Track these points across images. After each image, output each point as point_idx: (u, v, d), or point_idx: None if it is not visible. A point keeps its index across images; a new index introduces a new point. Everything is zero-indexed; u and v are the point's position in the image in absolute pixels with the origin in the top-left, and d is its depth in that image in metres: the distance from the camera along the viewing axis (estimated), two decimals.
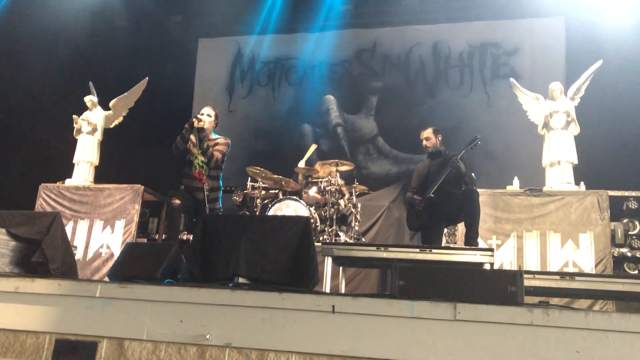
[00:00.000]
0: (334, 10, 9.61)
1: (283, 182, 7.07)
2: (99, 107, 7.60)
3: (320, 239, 6.39)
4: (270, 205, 6.67)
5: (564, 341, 2.31)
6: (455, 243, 6.23)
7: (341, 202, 6.80)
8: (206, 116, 5.31)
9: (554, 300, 4.47)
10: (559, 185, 6.19)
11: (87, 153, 7.36)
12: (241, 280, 3.13)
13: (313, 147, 7.96)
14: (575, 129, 6.41)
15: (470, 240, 4.79)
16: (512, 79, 7.11)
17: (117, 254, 6.26)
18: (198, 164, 5.00)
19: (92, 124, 7.44)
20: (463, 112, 8.98)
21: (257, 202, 7.05)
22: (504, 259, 5.82)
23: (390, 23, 9.69)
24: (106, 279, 4.09)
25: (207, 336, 2.62)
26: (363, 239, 6.99)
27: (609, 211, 5.78)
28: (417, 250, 4.26)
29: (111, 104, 7.67)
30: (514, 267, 5.70)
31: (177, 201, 5.01)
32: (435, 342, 2.41)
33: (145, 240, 7.02)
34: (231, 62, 10.44)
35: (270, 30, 10.09)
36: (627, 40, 7.60)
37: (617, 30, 7.71)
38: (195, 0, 9.61)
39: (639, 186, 6.33)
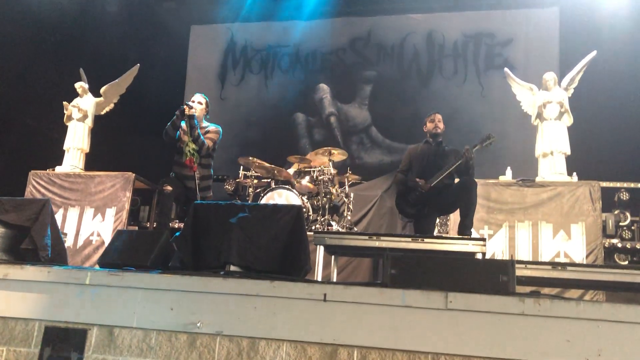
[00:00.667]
0: None
1: (275, 171, 7.04)
2: (89, 94, 7.53)
3: (313, 228, 6.38)
4: (262, 194, 6.65)
5: (555, 330, 2.32)
6: (447, 233, 6.24)
7: (333, 190, 6.78)
8: (197, 103, 5.26)
9: (546, 290, 4.49)
10: (552, 175, 6.20)
11: (77, 140, 7.30)
12: (232, 268, 3.12)
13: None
14: (568, 119, 6.42)
15: (464, 230, 4.78)
16: (506, 69, 7.11)
17: (107, 242, 6.22)
18: (189, 151, 4.95)
19: (82, 111, 7.38)
20: (457, 102, 8.96)
21: (249, 191, 7.02)
22: (496, 249, 5.84)
23: (385, 11, 9.64)
24: (96, 266, 4.06)
25: (198, 324, 2.61)
26: (355, 229, 6.99)
27: (600, 202, 5.80)
28: (410, 239, 4.26)
29: (102, 90, 7.60)
30: (506, 257, 5.72)
31: (169, 188, 4.96)
32: (426, 330, 2.41)
33: (136, 228, 6.99)
34: (223, 49, 10.36)
35: (264, 18, 10.01)
36: (621, 32, 7.59)
37: (612, 21, 7.70)
38: None
39: (631, 177, 6.38)
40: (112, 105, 7.72)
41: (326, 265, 4.69)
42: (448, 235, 5.87)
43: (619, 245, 5.99)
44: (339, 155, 7.07)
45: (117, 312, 2.75)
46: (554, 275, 3.90)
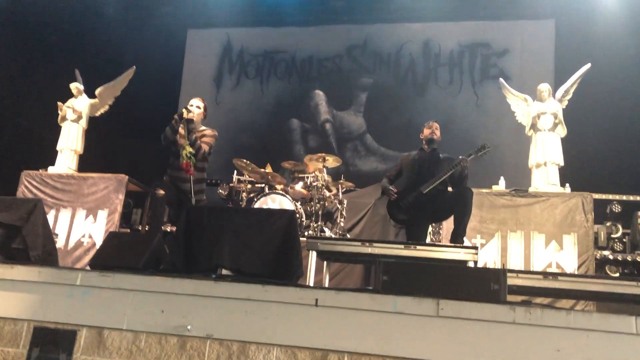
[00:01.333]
0: (325, 4, 9.57)
1: (269, 177, 7.04)
2: (84, 95, 7.51)
3: (306, 234, 6.37)
4: (256, 199, 6.64)
5: (545, 339, 2.32)
6: (440, 241, 6.24)
7: (327, 194, 6.78)
8: (195, 107, 5.26)
9: (537, 300, 4.51)
10: (545, 186, 6.23)
11: (71, 141, 7.27)
12: (224, 271, 3.11)
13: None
14: (562, 131, 6.45)
15: (457, 238, 4.78)
16: (501, 80, 7.14)
17: (99, 244, 6.19)
18: (186, 154, 4.95)
19: (77, 112, 7.35)
20: (452, 111, 9.00)
21: (243, 195, 7.01)
22: (487, 258, 5.85)
23: (382, 20, 9.67)
24: (88, 268, 4.04)
25: (189, 327, 2.60)
26: (348, 235, 6.99)
27: (592, 214, 5.83)
28: (402, 246, 4.26)
29: (97, 92, 7.58)
30: (497, 267, 5.73)
31: (162, 192, 4.96)
32: (417, 337, 2.41)
33: (128, 230, 6.96)
34: (220, 53, 10.36)
35: (261, 23, 10.04)
36: (616, 44, 7.66)
37: (607, 34, 7.76)
38: None
39: (623, 190, 6.41)
40: (107, 107, 7.69)
41: (318, 270, 4.69)
42: (440, 243, 5.87)
43: (610, 257, 6.01)
44: (333, 161, 7.08)
45: (107, 313, 2.73)
46: (546, 285, 3.91)
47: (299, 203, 6.69)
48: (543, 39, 8.96)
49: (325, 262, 4.76)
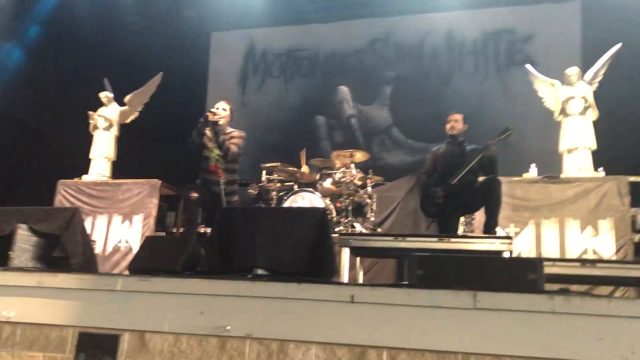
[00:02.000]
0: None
1: (298, 174, 7.07)
2: (114, 103, 7.66)
3: (337, 230, 6.39)
4: (285, 198, 6.68)
5: (586, 328, 2.29)
6: (473, 232, 6.18)
7: (358, 190, 6.78)
8: (221, 110, 5.33)
9: (574, 288, 4.43)
10: (577, 171, 6.11)
11: (103, 148, 7.43)
12: (260, 271, 3.15)
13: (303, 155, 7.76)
14: (593, 114, 6.32)
15: (490, 229, 4.75)
16: (527, 66, 7.03)
17: (135, 248, 6.32)
18: (214, 157, 5.03)
19: (108, 120, 7.51)
20: (478, 100, 8.89)
21: (273, 194, 7.05)
22: (522, 247, 5.77)
23: (403, 12, 9.60)
24: (126, 272, 4.13)
25: (228, 327, 2.64)
26: (379, 230, 6.97)
27: (629, 197, 5.69)
28: (435, 239, 4.24)
29: (126, 99, 7.72)
30: (533, 255, 5.65)
31: (195, 194, 5.04)
32: (455, 330, 2.40)
33: (163, 234, 7.07)
34: (243, 55, 10.43)
35: (282, 22, 10.06)
36: None
37: (636, 12, 7.56)
38: None
39: None
40: (136, 114, 7.84)
41: (352, 266, 4.69)
42: (474, 235, 5.82)
43: None
44: (360, 156, 7.07)
45: (148, 317, 2.79)
46: (584, 272, 3.85)
47: (329, 199, 6.71)
48: (569, 21, 8.77)
49: (358, 258, 4.77)
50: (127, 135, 7.81)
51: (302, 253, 3.26)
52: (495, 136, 5.01)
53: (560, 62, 7.65)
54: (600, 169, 6.13)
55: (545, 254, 5.62)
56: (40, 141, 8.49)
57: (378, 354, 2.44)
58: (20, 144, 8.47)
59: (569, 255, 5.58)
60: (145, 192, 6.81)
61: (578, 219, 5.72)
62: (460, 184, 4.94)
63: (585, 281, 4.45)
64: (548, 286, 2.70)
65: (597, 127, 6.31)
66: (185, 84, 9.44)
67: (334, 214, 6.62)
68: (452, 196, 4.97)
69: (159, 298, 2.81)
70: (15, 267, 3.41)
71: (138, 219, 6.74)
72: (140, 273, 3.21)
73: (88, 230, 6.00)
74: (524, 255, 5.69)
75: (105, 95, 7.58)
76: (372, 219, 6.85)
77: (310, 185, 6.99)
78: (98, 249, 6.59)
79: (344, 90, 9.83)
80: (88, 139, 7.55)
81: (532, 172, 6.31)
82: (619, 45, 6.42)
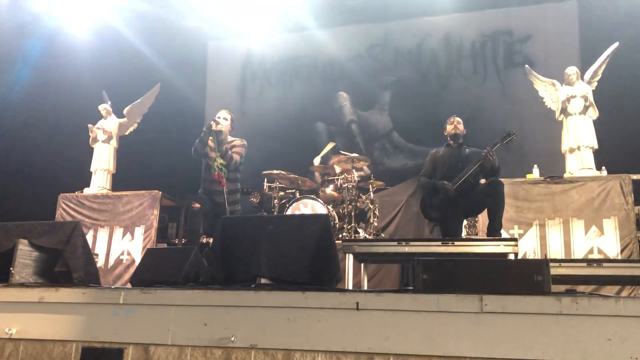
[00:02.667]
0: (343, 5, 9.54)
1: (299, 182, 7.06)
2: (113, 115, 7.66)
3: (340, 236, 6.36)
4: (287, 205, 6.66)
5: (595, 329, 2.26)
6: (477, 234, 6.16)
7: (360, 196, 6.76)
8: (223, 119, 5.35)
9: (580, 288, 4.40)
10: (580, 171, 6.09)
11: (103, 161, 7.43)
12: (263, 281, 3.11)
13: (330, 145, 7.90)
14: (593, 113, 6.31)
15: (494, 232, 4.72)
16: (527, 66, 7.04)
17: (138, 260, 6.30)
18: (217, 166, 5.04)
19: (107, 132, 7.51)
20: (478, 102, 8.88)
21: (275, 202, 7.04)
22: (527, 248, 5.75)
23: (400, 16, 9.60)
24: (129, 285, 4.11)
25: (232, 338, 2.61)
26: (382, 235, 6.95)
27: (632, 195, 5.67)
28: (439, 243, 4.22)
29: (125, 111, 7.73)
30: (538, 257, 5.62)
31: (197, 205, 5.04)
32: (462, 335, 2.37)
33: (165, 245, 7.05)
34: (241, 63, 10.43)
35: (280, 30, 10.06)
36: None
37: (633, 10, 7.55)
38: (204, 3, 9.61)
39: None
40: (135, 125, 7.85)
41: (356, 273, 4.66)
42: (478, 237, 5.79)
43: None
44: (361, 162, 7.06)
45: (152, 330, 2.76)
46: (590, 272, 3.82)
47: (331, 206, 6.69)
48: (566, 21, 8.76)
49: (362, 264, 4.74)
50: (126, 147, 7.81)
51: (305, 261, 3.22)
52: (497, 141, 4.99)
53: (558, 62, 7.65)
54: (603, 168, 6.10)
55: (550, 255, 5.59)
56: (41, 156, 8.48)
57: None
58: (20, 159, 8.46)
59: (574, 256, 5.55)
60: (145, 204, 6.80)
61: (582, 218, 5.70)
62: (462, 187, 4.91)
63: (591, 281, 4.41)
64: (554, 287, 2.66)
65: (597, 126, 6.30)
66: (184, 94, 9.44)
67: (337, 220, 6.60)
68: (454, 199, 4.95)
69: (162, 310, 2.78)
70: (17, 283, 3.38)
71: (139, 230, 6.72)
72: (143, 285, 3.19)
73: (90, 244, 6.00)
74: (529, 257, 5.66)
75: (104, 108, 7.59)
76: (375, 224, 6.83)
77: (312, 192, 6.98)
78: (100, 262, 6.57)
79: (343, 96, 9.83)
80: (88, 152, 7.55)
81: (535, 173, 6.30)
82: (616, 44, 6.42)
